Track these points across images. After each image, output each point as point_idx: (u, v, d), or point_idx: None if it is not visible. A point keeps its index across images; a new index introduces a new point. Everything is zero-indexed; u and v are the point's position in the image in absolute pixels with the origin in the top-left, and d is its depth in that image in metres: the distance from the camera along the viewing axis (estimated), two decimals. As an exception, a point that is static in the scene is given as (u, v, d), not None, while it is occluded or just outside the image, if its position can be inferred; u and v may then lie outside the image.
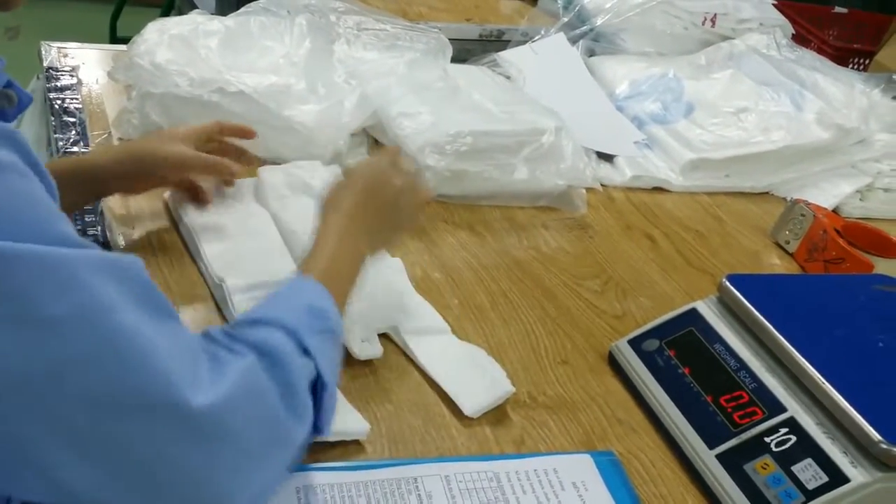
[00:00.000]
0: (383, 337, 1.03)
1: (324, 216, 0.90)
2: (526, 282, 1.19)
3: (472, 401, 0.95)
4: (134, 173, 1.04)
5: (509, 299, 1.15)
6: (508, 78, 1.58)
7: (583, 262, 1.26)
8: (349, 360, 0.96)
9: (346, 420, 0.89)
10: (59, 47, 1.51)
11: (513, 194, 1.34)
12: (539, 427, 0.95)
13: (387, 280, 1.06)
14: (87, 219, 1.11)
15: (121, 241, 1.09)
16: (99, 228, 1.10)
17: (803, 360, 0.92)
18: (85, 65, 1.48)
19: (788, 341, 0.94)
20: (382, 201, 0.93)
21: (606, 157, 1.51)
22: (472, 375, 0.98)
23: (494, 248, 1.25)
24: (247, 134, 1.14)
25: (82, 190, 1.00)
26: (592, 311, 1.16)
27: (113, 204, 1.13)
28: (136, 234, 1.11)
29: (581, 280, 1.22)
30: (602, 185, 1.43)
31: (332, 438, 0.86)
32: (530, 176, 1.32)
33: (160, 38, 1.30)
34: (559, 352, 1.07)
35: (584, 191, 1.37)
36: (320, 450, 0.87)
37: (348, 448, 0.88)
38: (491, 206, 1.34)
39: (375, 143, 1.36)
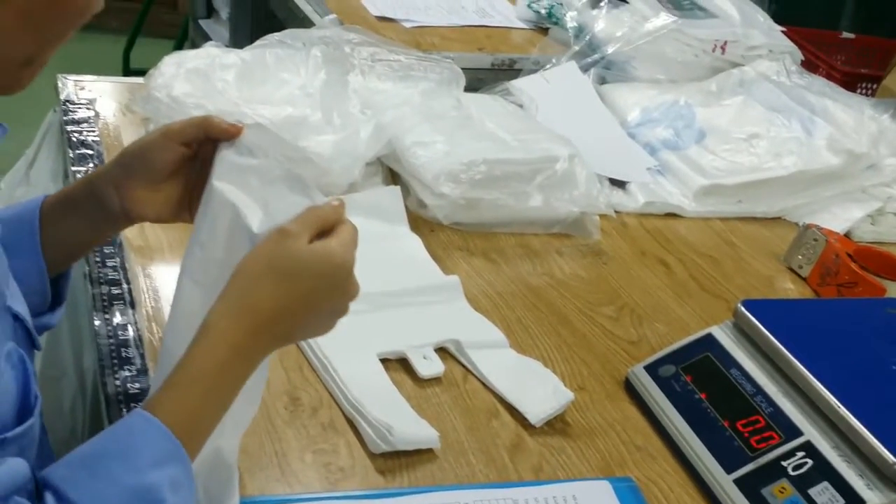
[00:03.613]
0: (403, 362, 1.04)
1: (227, 303, 0.72)
2: (541, 308, 1.20)
3: (537, 409, 0.99)
4: (127, 169, 0.85)
5: (525, 326, 1.16)
6: (521, 106, 1.59)
7: (597, 288, 1.27)
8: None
9: (418, 430, 0.93)
10: (75, 80, 1.53)
11: (527, 221, 1.35)
12: (557, 454, 0.95)
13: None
14: (105, 251, 1.12)
15: (139, 274, 1.10)
16: (118, 260, 1.11)
17: (819, 384, 0.93)
18: (101, 97, 1.50)
19: (804, 366, 0.95)
20: (322, 300, 0.75)
21: (619, 184, 1.52)
22: (534, 385, 1.02)
23: (509, 275, 1.26)
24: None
25: (89, 215, 0.87)
26: (608, 337, 1.16)
27: (131, 235, 1.15)
28: (155, 265, 1.13)
29: (596, 306, 1.23)
30: (615, 211, 1.44)
31: (408, 448, 0.91)
32: (544, 203, 1.34)
33: (177, 71, 1.33)
34: (575, 378, 1.08)
35: (597, 217, 1.38)
36: (338, 480, 0.88)
37: (367, 477, 0.89)
38: (505, 234, 1.35)
39: (390, 173, 1.37)
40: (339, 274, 0.74)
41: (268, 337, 0.73)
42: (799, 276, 1.39)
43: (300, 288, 0.73)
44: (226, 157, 0.79)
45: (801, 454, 0.90)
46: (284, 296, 0.72)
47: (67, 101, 1.47)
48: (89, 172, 0.90)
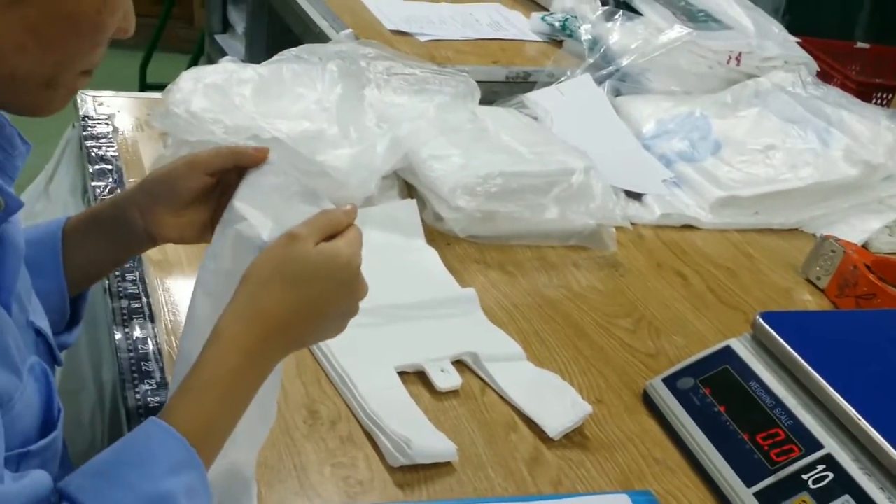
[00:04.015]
0: (421, 375, 1.04)
1: (237, 309, 0.72)
2: (558, 321, 1.20)
3: (555, 423, 0.99)
4: (151, 195, 0.86)
5: (542, 339, 1.16)
6: (535, 119, 1.60)
7: (614, 300, 1.27)
8: (386, 401, 0.97)
9: (436, 443, 0.93)
10: (94, 96, 1.55)
11: (543, 234, 1.35)
12: (576, 467, 0.95)
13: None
14: (124, 265, 1.12)
15: (158, 288, 1.11)
16: (137, 274, 1.12)
17: (839, 396, 0.92)
18: (120, 112, 1.51)
19: (824, 378, 0.94)
20: (331, 302, 0.75)
21: (635, 196, 1.52)
22: (551, 399, 1.02)
23: (526, 288, 1.26)
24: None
25: (113, 237, 0.88)
26: (625, 350, 1.16)
27: (150, 250, 1.15)
28: (174, 279, 1.13)
29: (613, 318, 1.22)
30: (632, 223, 1.44)
31: (426, 461, 0.91)
32: (560, 215, 1.34)
33: (195, 86, 1.33)
34: (593, 391, 1.08)
35: (613, 229, 1.38)
36: (357, 493, 0.88)
37: (386, 490, 0.89)
38: (522, 246, 1.35)
39: (406, 186, 1.38)
40: (346, 273, 0.75)
41: (279, 341, 0.74)
42: (817, 287, 1.38)
43: (309, 291, 0.73)
44: (249, 179, 0.81)
45: (821, 467, 0.89)
46: (294, 299, 0.73)
47: (86, 116, 1.48)
48: (113, 195, 0.92)
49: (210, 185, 0.85)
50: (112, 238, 0.88)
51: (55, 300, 0.87)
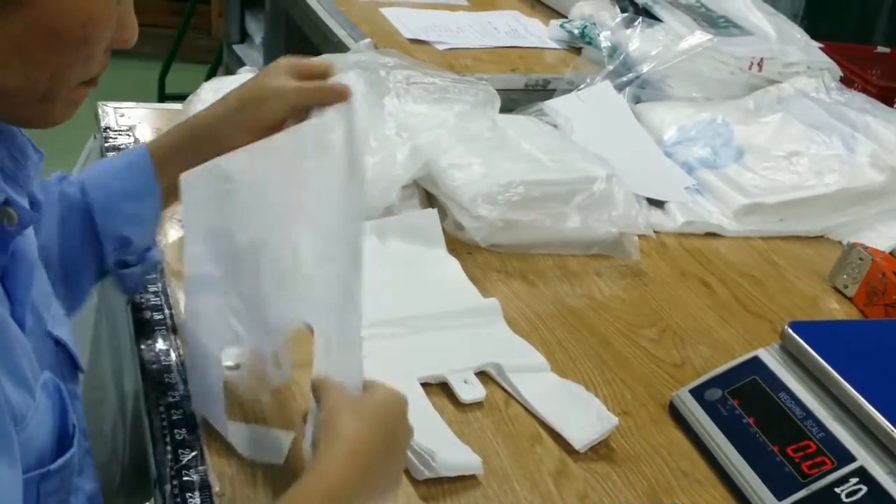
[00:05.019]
0: (444, 386, 1.03)
1: (322, 462, 0.72)
2: (581, 330, 1.19)
3: (581, 435, 0.97)
4: (243, 120, 0.94)
5: (565, 349, 1.14)
6: (556, 126, 1.59)
7: (638, 309, 1.25)
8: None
9: (461, 456, 0.92)
10: (115, 107, 1.55)
11: (565, 242, 1.34)
12: (602, 480, 0.94)
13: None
14: (146, 277, 1.12)
15: (180, 300, 1.10)
16: (159, 286, 1.12)
17: (871, 407, 0.91)
18: (140, 124, 1.51)
19: (856, 388, 0.92)
20: (396, 451, 0.79)
21: (657, 204, 1.50)
22: (576, 410, 1.01)
23: (548, 297, 1.25)
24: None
25: (208, 152, 0.92)
26: (650, 360, 1.15)
27: (171, 260, 1.15)
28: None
29: (637, 328, 1.21)
30: (654, 231, 1.43)
31: (451, 474, 0.90)
32: (582, 224, 1.32)
33: (215, 97, 1.32)
34: (619, 402, 1.06)
35: (636, 237, 1.37)
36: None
37: None
38: (543, 255, 1.33)
39: (427, 195, 1.37)
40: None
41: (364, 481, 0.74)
42: (844, 296, 1.36)
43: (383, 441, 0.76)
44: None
45: (854, 480, 0.88)
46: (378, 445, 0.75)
47: (107, 127, 1.48)
48: (199, 116, 0.99)
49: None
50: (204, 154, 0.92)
51: (152, 221, 0.95)
